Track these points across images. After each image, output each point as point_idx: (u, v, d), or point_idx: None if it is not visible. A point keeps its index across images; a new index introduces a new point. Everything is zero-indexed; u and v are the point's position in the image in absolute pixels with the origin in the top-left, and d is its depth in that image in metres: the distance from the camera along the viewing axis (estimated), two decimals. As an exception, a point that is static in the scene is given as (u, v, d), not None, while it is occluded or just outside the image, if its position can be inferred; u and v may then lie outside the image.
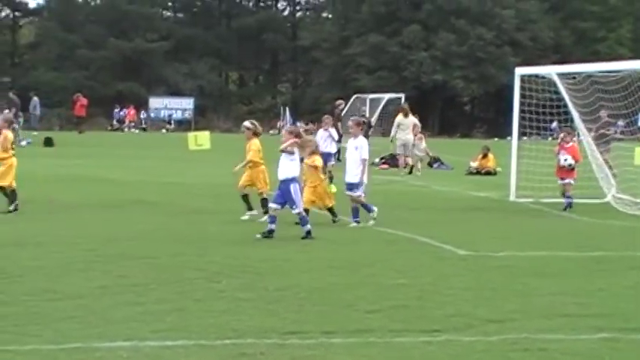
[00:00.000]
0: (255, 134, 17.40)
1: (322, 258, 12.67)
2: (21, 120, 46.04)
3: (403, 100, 42.41)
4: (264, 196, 17.10)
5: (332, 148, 23.61)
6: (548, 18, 78.99)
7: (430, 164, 34.63)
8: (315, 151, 16.61)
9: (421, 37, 76.52)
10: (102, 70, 78.55)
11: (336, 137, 23.55)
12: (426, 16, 77.29)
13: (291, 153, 15.02)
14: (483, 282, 11.02)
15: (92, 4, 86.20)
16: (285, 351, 7.72)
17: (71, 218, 16.47)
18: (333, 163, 23.04)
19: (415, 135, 32.34)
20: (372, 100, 48.85)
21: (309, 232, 14.65)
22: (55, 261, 12.04)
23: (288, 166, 14.91)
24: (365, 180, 16.74)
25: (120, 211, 17.66)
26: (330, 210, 16.75)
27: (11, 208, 17.11)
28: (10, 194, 17.41)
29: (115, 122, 70.07)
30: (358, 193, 16.56)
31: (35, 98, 56.62)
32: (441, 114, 78.62)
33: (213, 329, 8.37)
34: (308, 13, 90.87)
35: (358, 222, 16.47)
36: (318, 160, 16.62)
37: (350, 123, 17.43)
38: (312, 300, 9.82)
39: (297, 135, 15.35)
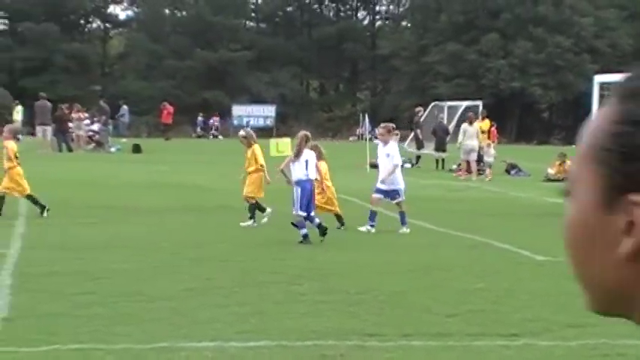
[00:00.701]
0: (253, 142, 17.22)
1: (401, 262, 12.65)
2: (110, 127, 46.83)
3: (481, 107, 42.08)
4: (254, 201, 16.92)
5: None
6: (627, 25, 77.67)
7: (508, 171, 34.31)
8: (319, 157, 16.44)
9: (499, 45, 75.89)
10: (187, 79, 79.60)
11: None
12: (504, 25, 76.64)
13: (299, 154, 15.04)
14: (561, 287, 10.87)
15: (179, 15, 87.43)
16: (364, 353, 7.73)
17: (157, 222, 16.70)
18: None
19: (484, 141, 32.21)
20: (449, 107, 48.54)
21: (305, 236, 14.45)
22: (143, 264, 12.23)
23: (295, 170, 15.04)
24: (399, 186, 16.27)
25: (204, 215, 17.82)
26: (337, 216, 16.41)
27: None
28: (30, 199, 17.30)
29: (199, 129, 70.75)
30: (399, 199, 16.17)
31: (124, 106, 57.53)
32: (519, 121, 77.78)
33: (295, 331, 8.42)
34: (387, 22, 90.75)
35: (406, 226, 15.88)
36: (322, 167, 16.44)
37: (380, 130, 16.92)
38: (391, 303, 9.81)
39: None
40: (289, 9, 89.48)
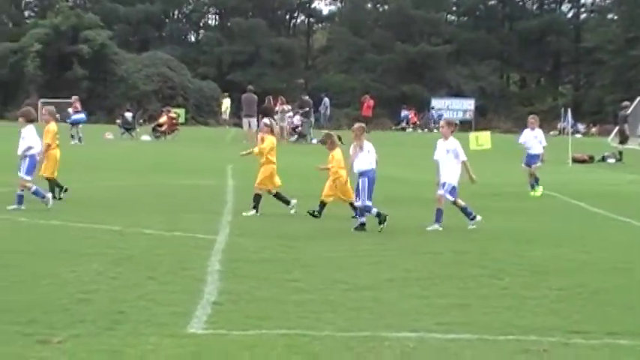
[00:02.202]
0: (272, 132, 17.09)
1: (605, 259, 12.27)
2: (312, 119, 47.60)
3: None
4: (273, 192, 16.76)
5: (537, 149, 21.81)
6: None
7: None
8: (333, 146, 16.24)
9: None
10: (387, 72, 79.99)
11: (542, 138, 21.92)
12: None
13: (360, 148, 14.90)
14: None
15: (380, 9, 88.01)
16: (568, 350, 7.56)
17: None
18: (538, 164, 21.53)
19: None
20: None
21: (363, 225, 14.57)
22: (346, 253, 12.41)
23: (359, 160, 14.88)
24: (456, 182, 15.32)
25: (401, 207, 17.80)
26: (352, 205, 15.79)
27: (49, 196, 16.74)
28: (50, 183, 17.73)
29: (404, 123, 70.38)
30: (447, 196, 15.07)
31: (326, 99, 58.35)
32: None
33: (497, 325, 8.33)
34: (592, 14, 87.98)
35: (438, 224, 15.04)
36: (337, 154, 16.16)
37: (441, 122, 16.07)
38: (595, 300, 9.55)
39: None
40: (491, 2, 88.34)
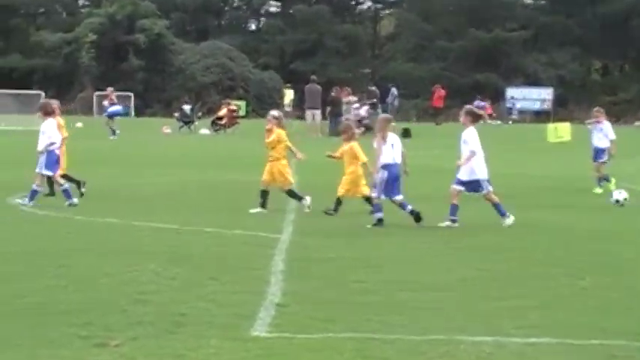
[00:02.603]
0: (280, 126, 16.76)
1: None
2: (379, 111, 47.47)
3: None
4: (289, 188, 16.65)
5: (603, 143, 21.29)
6: None
7: None
8: (350, 137, 16.16)
9: None
10: (459, 60, 79.45)
11: (610, 131, 21.47)
12: None
13: (384, 140, 14.83)
14: None
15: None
16: (659, 356, 7.43)
17: (426, 209, 16.72)
18: (605, 159, 20.96)
19: None
20: None
21: (380, 220, 14.54)
22: (414, 252, 12.38)
23: (382, 153, 14.83)
24: (480, 176, 14.95)
25: (468, 204, 17.58)
26: (368, 199, 15.62)
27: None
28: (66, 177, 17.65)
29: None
30: (453, 185, 14.98)
31: (393, 89, 58.13)
32: None
33: (580, 328, 8.21)
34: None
35: (452, 220, 14.82)
36: (355, 147, 16.08)
37: (463, 111, 15.61)
38: (686, 304, 9.37)
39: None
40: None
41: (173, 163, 27.48)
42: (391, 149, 14.96)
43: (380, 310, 8.77)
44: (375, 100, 45.34)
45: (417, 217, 14.68)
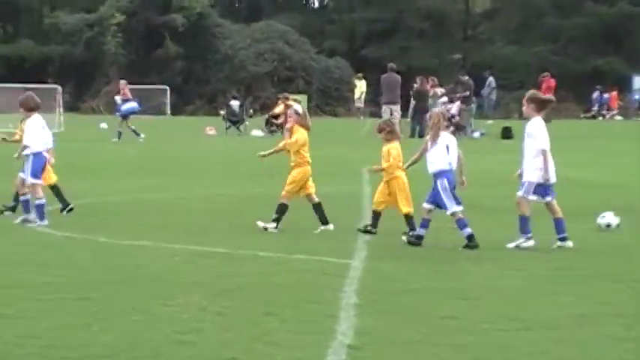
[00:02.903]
0: (304, 126, 16.63)
1: None
2: (474, 106, 47.32)
3: None
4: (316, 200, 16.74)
5: None
6: None
7: None
8: (392, 137, 16.11)
9: None
10: (573, 42, 78.95)
11: None
12: None
13: (435, 141, 14.94)
14: None
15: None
16: None
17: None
18: None
19: None
20: None
21: (470, 237, 14.62)
22: (517, 280, 12.35)
23: (433, 157, 14.95)
24: (546, 178, 14.74)
25: (586, 218, 17.48)
26: (407, 217, 15.66)
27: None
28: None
29: (595, 108, 68.98)
30: (520, 193, 14.79)
31: (490, 78, 57.91)
32: None
33: None
34: None
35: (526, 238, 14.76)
36: (393, 149, 15.97)
37: (525, 98, 15.28)
38: None
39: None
40: None
41: (218, 171, 27.68)
42: (443, 152, 15.04)
43: (476, 354, 8.77)
44: (467, 92, 45.22)
45: (473, 245, 14.67)
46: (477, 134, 44.63)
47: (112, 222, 16.88)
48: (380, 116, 45.97)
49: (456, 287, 11.81)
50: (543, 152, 14.67)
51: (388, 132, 16.26)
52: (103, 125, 48.35)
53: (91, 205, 19.50)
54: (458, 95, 45.06)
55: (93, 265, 13.17)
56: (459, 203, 14.93)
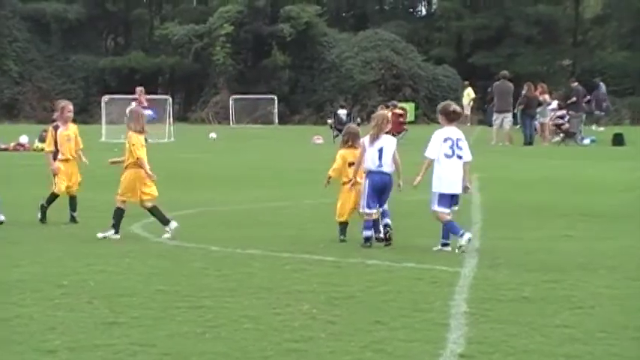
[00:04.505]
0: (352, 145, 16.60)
1: None
2: (583, 114, 46.78)
3: None
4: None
5: None
6: None
7: None
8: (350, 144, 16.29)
9: None
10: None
11: None
12: None
13: (371, 142, 15.53)
14: None
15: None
16: None
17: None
18: None
19: None
20: None
21: (366, 239, 15.33)
22: (633, 290, 12.15)
23: (367, 157, 15.54)
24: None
25: None
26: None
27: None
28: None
29: None
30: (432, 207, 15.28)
31: (602, 85, 57.26)
32: None
33: None
34: None
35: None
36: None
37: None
38: None
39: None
40: None
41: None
42: (375, 153, 15.54)
43: (592, 365, 8.66)
44: (576, 99, 44.80)
45: (368, 244, 15.29)
46: (587, 141, 44.11)
47: (222, 231, 16.98)
48: (487, 124, 45.74)
49: (571, 295, 11.66)
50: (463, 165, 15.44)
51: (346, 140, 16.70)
52: (212, 135, 48.86)
53: (201, 215, 19.66)
54: (567, 102, 44.67)
55: (204, 274, 13.27)
56: (375, 206, 15.43)
